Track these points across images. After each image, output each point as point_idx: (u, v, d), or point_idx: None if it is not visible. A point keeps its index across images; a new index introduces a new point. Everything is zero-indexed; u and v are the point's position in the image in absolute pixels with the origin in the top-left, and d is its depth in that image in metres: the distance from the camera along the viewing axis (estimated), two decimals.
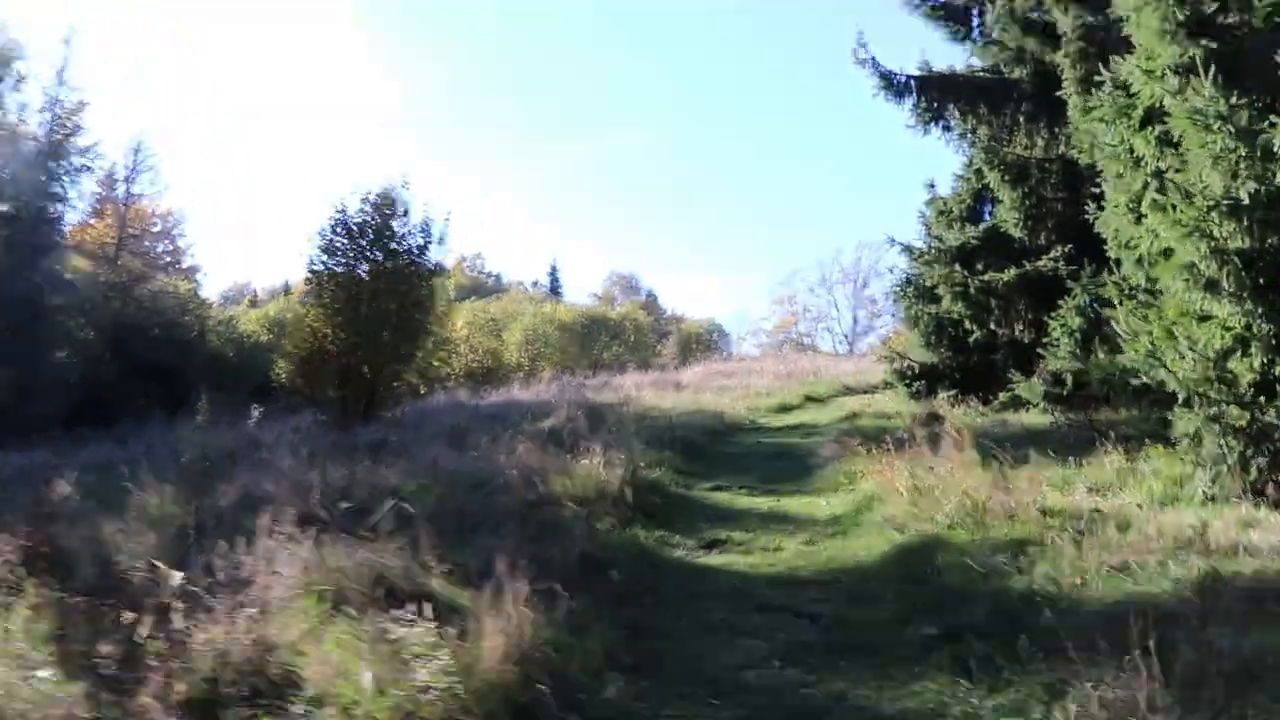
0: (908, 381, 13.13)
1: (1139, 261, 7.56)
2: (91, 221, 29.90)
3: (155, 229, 34.72)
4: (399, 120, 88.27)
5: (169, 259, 35.06)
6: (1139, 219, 7.31)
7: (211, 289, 44.60)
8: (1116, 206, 7.79)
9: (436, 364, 18.80)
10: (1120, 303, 8.12)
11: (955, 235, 12.68)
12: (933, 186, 15.35)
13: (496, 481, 7.04)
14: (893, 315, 51.39)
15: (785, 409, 15.92)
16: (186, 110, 76.47)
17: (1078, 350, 9.95)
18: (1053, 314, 10.61)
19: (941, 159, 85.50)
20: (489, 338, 33.01)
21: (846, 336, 50.76)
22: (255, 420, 13.61)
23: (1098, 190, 8.53)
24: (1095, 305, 9.89)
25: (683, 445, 10.37)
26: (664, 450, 9.74)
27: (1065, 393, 10.27)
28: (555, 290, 61.27)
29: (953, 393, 12.37)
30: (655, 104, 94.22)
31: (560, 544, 5.47)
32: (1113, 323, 8.03)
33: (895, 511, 6.73)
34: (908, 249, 13.31)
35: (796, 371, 23.66)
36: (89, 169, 25.05)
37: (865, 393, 17.63)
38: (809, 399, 16.84)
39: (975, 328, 11.86)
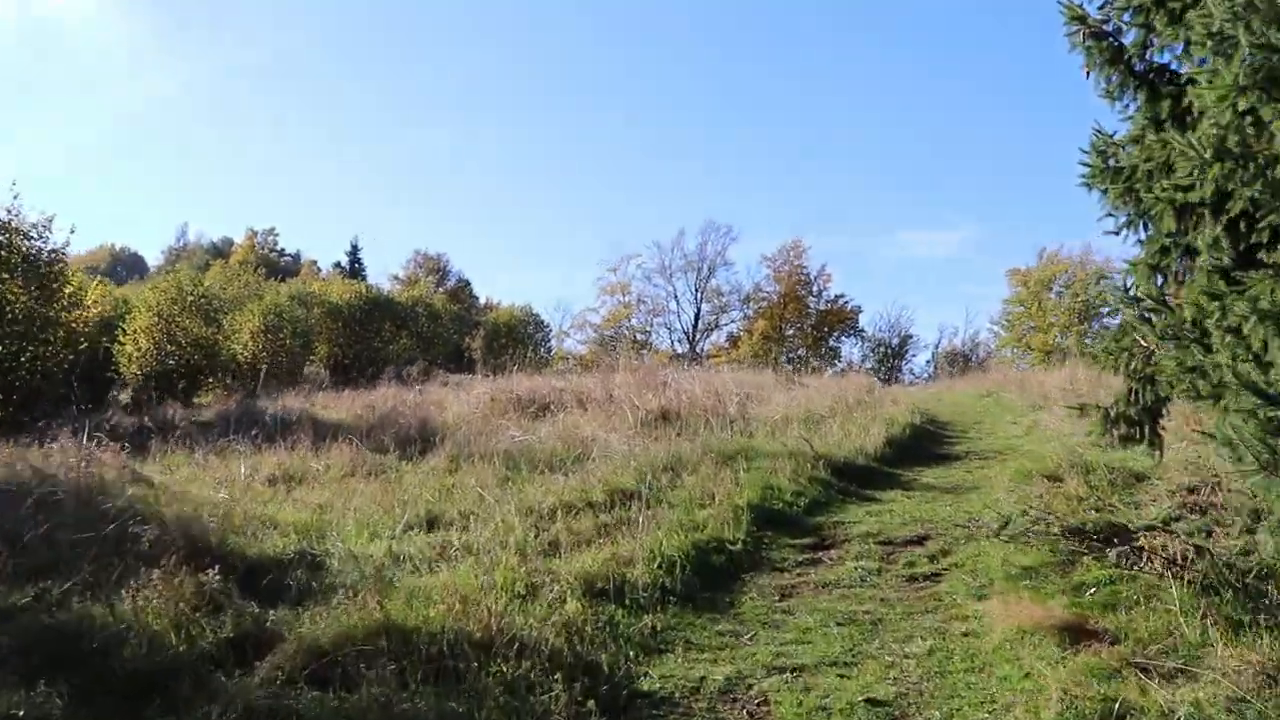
0: None
1: None
2: None
3: None
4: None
5: None
6: None
7: None
8: None
9: None
10: None
11: None
12: None
13: None
14: (742, 312, 41.45)
15: None
16: None
17: None
18: None
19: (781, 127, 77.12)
20: (200, 323, 22.10)
21: (687, 334, 41.82)
22: None
23: None
24: None
25: None
26: None
27: None
28: (356, 272, 50.41)
29: None
30: (474, 97, 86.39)
31: None
32: None
33: None
34: None
35: (677, 400, 12.47)
36: None
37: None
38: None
39: None
